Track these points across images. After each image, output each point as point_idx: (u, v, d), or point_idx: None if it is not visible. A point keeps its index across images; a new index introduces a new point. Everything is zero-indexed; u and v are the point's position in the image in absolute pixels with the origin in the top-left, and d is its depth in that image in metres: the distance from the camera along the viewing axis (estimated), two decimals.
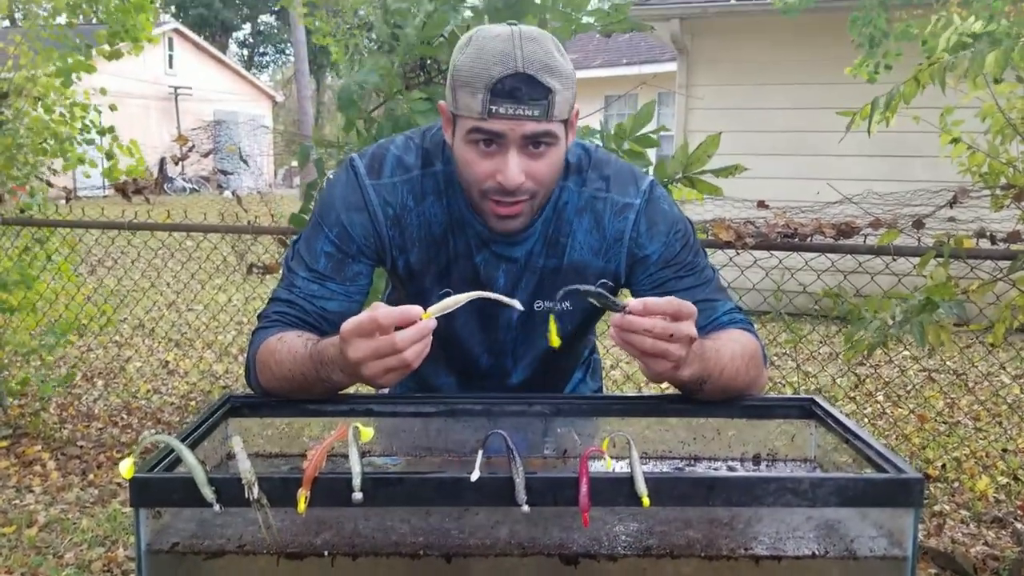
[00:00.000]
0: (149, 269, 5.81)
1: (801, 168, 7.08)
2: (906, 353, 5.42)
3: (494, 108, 1.25)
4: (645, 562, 1.05)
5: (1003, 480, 3.72)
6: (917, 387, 5.01)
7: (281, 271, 1.49)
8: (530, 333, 1.51)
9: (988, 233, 3.11)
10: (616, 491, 1.02)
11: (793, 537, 1.07)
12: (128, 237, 4.79)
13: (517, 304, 1.21)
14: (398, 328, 1.15)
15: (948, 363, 5.38)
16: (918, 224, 3.16)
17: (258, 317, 1.44)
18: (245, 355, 1.40)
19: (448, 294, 1.46)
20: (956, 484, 3.69)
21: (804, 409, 1.36)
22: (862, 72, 5.34)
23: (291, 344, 1.31)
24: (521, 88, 1.24)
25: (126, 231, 4.31)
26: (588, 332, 1.64)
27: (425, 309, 1.18)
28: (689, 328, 1.17)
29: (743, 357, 1.34)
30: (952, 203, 3.16)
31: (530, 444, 1.38)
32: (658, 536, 1.08)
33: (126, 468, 0.99)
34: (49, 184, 4.39)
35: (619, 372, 4.94)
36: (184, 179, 21.05)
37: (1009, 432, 4.26)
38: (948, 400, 4.69)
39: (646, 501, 1.00)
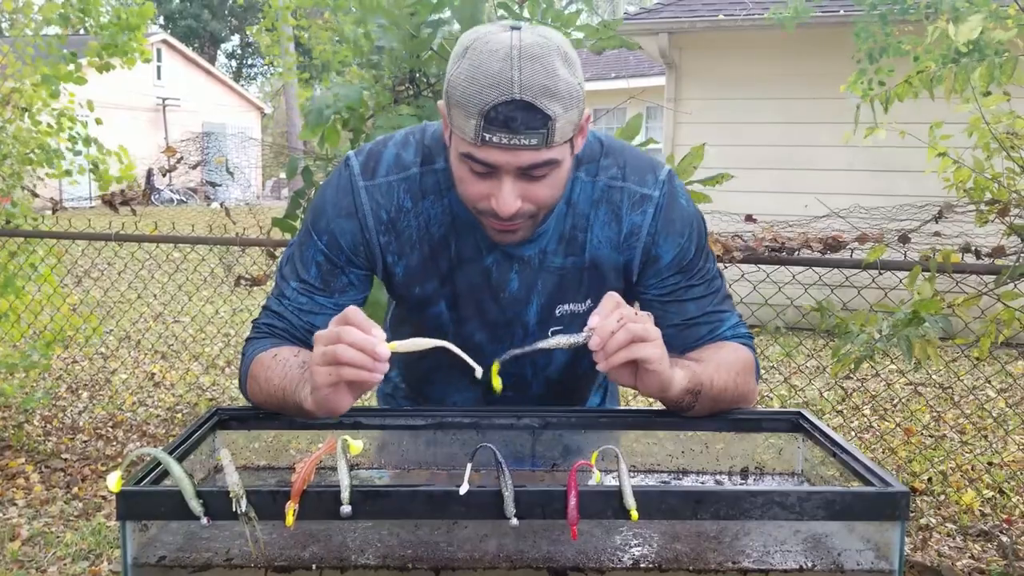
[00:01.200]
0: (136, 281, 5.79)
1: (788, 182, 7.13)
2: (892, 367, 5.45)
3: (487, 136, 1.16)
4: (633, 575, 1.05)
5: (989, 494, 3.74)
6: (904, 400, 5.03)
7: (276, 275, 1.44)
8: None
9: (973, 248, 3.14)
10: (605, 504, 1.02)
11: (780, 550, 1.08)
12: (115, 248, 4.77)
13: (477, 368, 1.15)
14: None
15: (934, 377, 5.40)
16: (904, 239, 3.18)
17: (252, 323, 1.42)
18: (239, 364, 1.39)
19: (454, 314, 1.39)
20: (942, 497, 3.71)
21: (791, 423, 1.36)
22: (855, 89, 5.36)
23: (284, 361, 1.28)
24: (517, 117, 1.14)
25: (112, 242, 4.29)
26: None
27: (410, 332, 1.17)
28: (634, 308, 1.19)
29: (732, 371, 1.33)
30: (938, 218, 3.19)
31: (516, 456, 1.38)
32: (646, 549, 1.08)
33: (114, 481, 0.98)
34: (34, 194, 4.36)
35: None
36: (171, 190, 20.98)
37: (995, 446, 4.28)
38: (934, 414, 4.71)
39: (634, 515, 1.01)
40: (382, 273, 1.41)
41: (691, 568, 1.05)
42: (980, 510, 3.57)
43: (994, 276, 3.01)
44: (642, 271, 1.39)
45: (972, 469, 3.99)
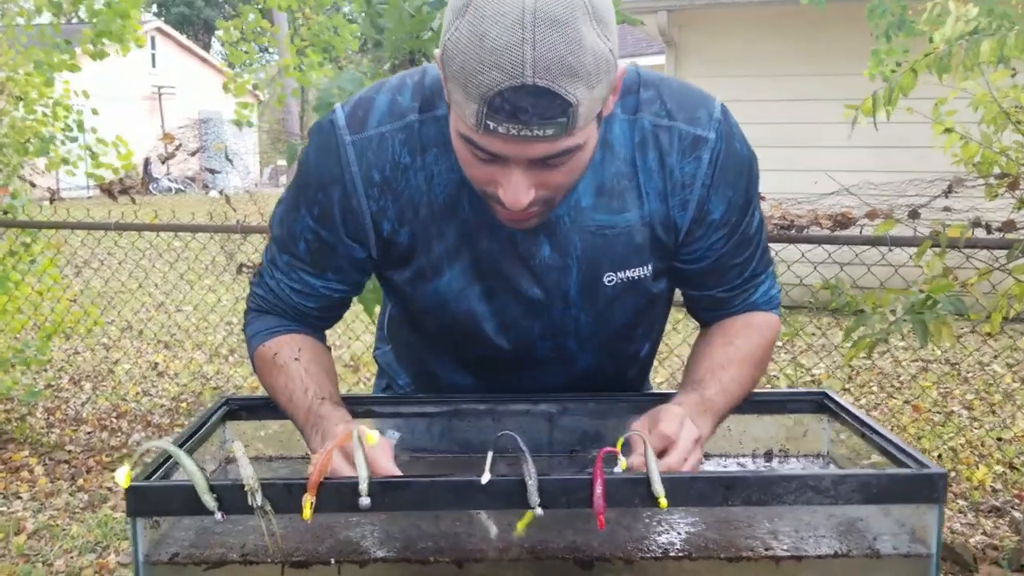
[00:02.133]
0: (137, 270, 5.74)
1: (793, 160, 7.06)
2: (901, 344, 5.42)
3: (491, 125, 0.95)
4: (662, 564, 1.01)
5: (999, 469, 3.72)
6: (913, 376, 5.01)
7: (270, 233, 1.28)
8: (597, 309, 1.23)
9: (984, 222, 3.10)
10: (632, 492, 0.98)
11: (814, 536, 1.04)
12: (115, 238, 4.73)
13: (492, 529, 1.00)
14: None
15: (941, 353, 5.38)
16: (914, 214, 3.14)
17: (250, 287, 1.32)
18: (244, 334, 1.31)
19: (479, 286, 1.19)
20: (953, 474, 3.68)
21: (816, 403, 1.33)
22: (876, 70, 5.25)
23: (285, 375, 1.19)
24: (527, 108, 0.92)
25: (112, 232, 4.25)
26: (661, 303, 1.34)
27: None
28: (684, 446, 1.05)
29: (752, 371, 1.24)
30: (948, 192, 3.14)
31: (533, 443, 1.33)
32: (675, 537, 1.05)
33: (123, 476, 0.94)
34: (32, 184, 4.32)
35: None
36: (170, 179, 20.91)
37: (1004, 421, 4.26)
38: (942, 390, 4.68)
39: (663, 502, 0.97)
40: (378, 248, 1.20)
41: (722, 556, 1.02)
42: (991, 486, 3.55)
43: (1004, 250, 2.98)
44: (689, 230, 1.18)
45: (982, 445, 3.97)
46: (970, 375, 4.97)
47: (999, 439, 4.05)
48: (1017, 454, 3.86)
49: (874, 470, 1.09)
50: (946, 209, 3.16)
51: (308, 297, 1.25)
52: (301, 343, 1.24)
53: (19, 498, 3.54)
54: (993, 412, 4.40)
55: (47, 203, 4.37)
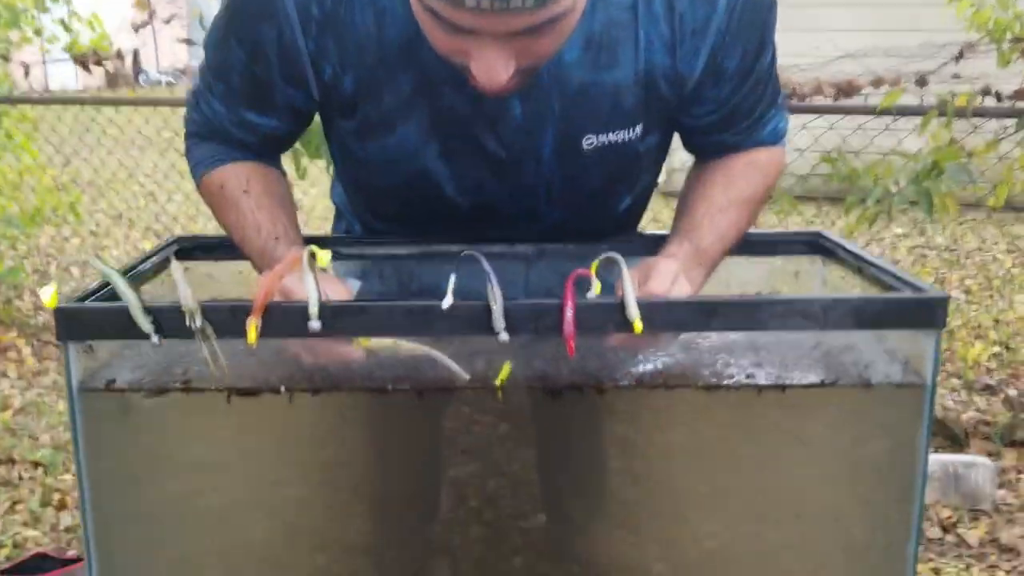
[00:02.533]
0: (126, 158, 5.61)
1: (797, 44, 6.81)
2: (897, 231, 5.33)
3: None
4: (636, 393, 0.95)
5: (996, 349, 3.69)
6: (912, 262, 4.94)
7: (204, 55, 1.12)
8: (572, 171, 1.11)
9: (993, 90, 2.97)
10: (605, 317, 0.91)
11: (800, 365, 0.97)
12: (104, 127, 4.58)
13: (463, 374, 0.92)
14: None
15: (938, 239, 5.30)
16: (921, 82, 3.00)
17: (187, 108, 1.17)
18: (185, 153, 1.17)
19: (436, 145, 1.06)
20: (947, 353, 3.65)
21: (810, 244, 1.24)
22: None
23: (236, 210, 1.10)
24: None
25: (94, 112, 4.11)
26: (649, 158, 1.19)
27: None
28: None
29: (749, 213, 1.13)
30: (958, 58, 3.00)
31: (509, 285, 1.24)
32: (650, 366, 0.97)
33: (49, 295, 0.87)
34: (6, 59, 4.14)
35: None
36: (160, 71, 20.34)
37: (1000, 304, 4.22)
38: (940, 276, 4.62)
39: (638, 327, 0.89)
40: (319, 92, 1.05)
41: (699, 385, 0.95)
42: (986, 366, 3.52)
43: (1013, 120, 2.87)
44: (699, 83, 1.04)
45: (979, 326, 3.93)
46: (968, 261, 4.91)
47: (996, 320, 4.01)
48: (1013, 334, 3.82)
49: (868, 295, 1.01)
50: (955, 76, 3.01)
51: (249, 132, 1.12)
52: (249, 172, 1.12)
53: (6, 377, 3.52)
54: (990, 296, 4.35)
55: (23, 77, 4.20)
